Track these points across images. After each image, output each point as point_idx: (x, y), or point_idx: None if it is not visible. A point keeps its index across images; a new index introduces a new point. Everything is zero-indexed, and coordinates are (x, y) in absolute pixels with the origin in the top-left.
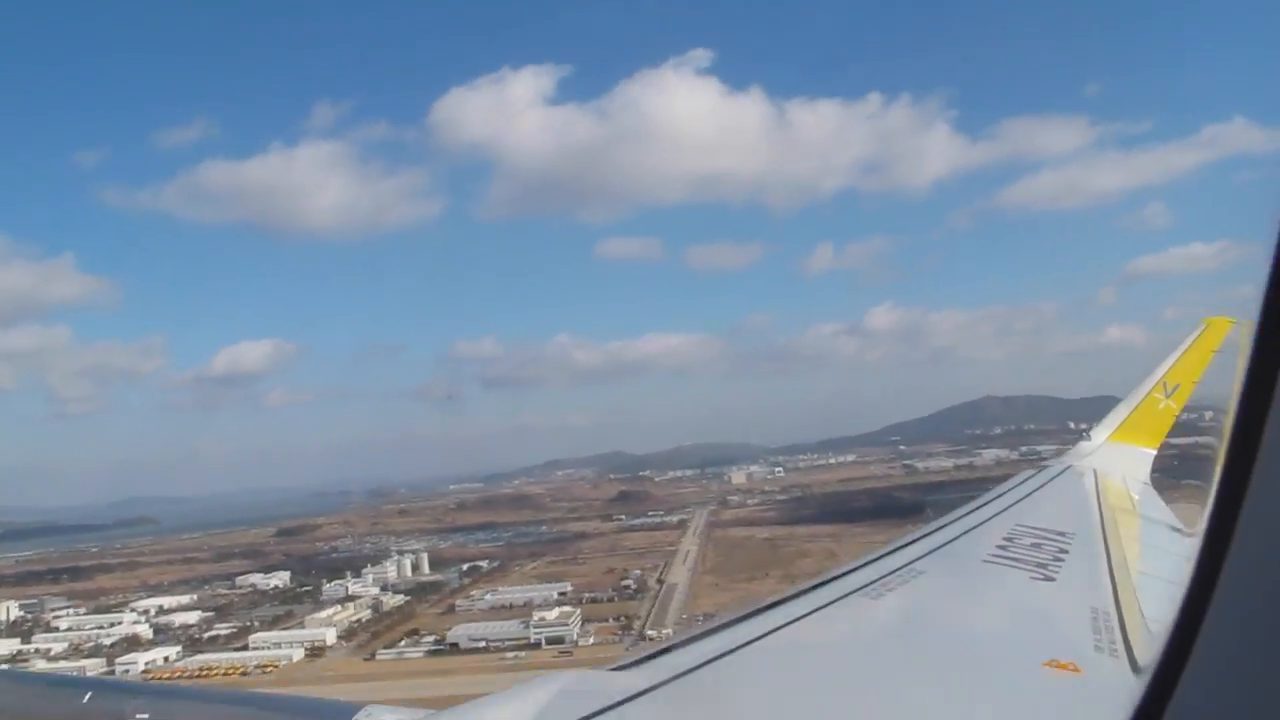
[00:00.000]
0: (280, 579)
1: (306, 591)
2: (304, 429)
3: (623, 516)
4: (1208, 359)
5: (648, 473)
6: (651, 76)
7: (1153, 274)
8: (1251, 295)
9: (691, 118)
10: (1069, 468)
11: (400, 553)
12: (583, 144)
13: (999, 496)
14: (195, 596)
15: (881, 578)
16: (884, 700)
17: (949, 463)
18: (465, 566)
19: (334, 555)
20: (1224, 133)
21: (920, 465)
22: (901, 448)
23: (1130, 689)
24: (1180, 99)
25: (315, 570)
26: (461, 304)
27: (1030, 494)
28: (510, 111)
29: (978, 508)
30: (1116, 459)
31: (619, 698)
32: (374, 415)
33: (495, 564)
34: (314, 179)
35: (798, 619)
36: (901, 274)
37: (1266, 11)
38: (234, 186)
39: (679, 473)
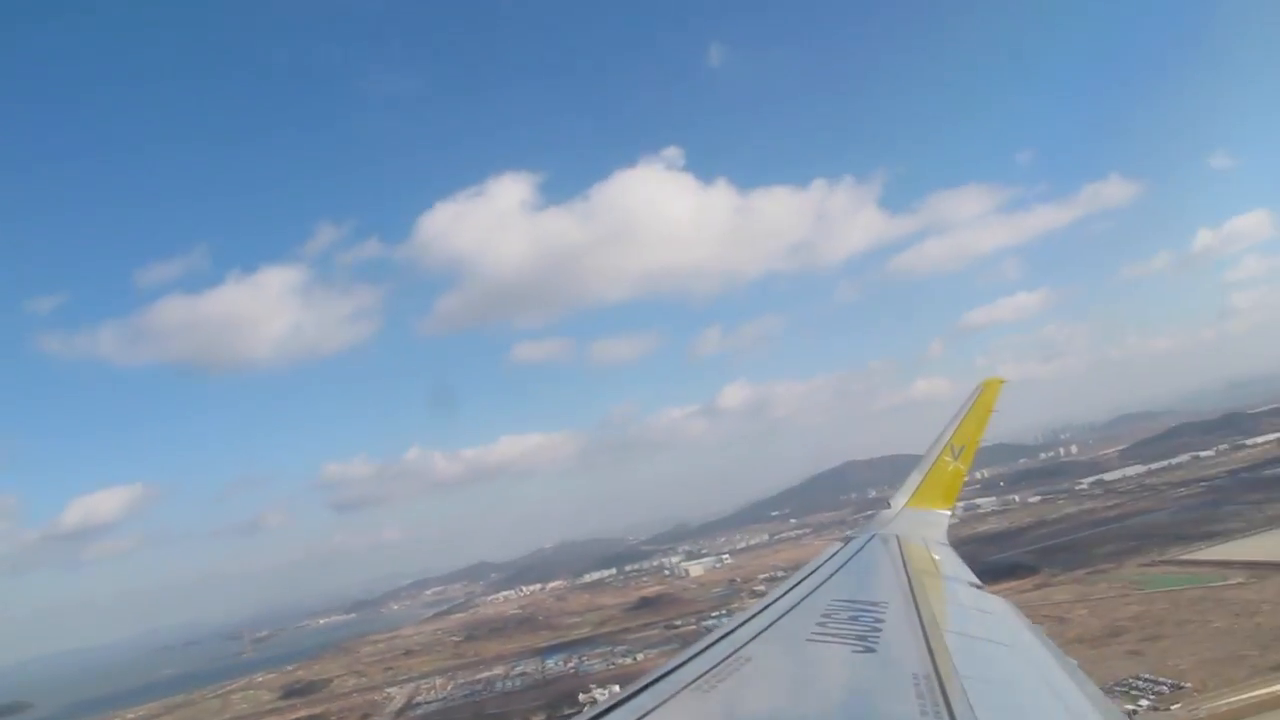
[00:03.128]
0: None
1: None
2: (134, 577)
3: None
4: (987, 418)
5: (608, 573)
6: (625, 176)
7: (983, 325)
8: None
9: (653, 213)
10: (874, 537)
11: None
12: (546, 249)
13: (813, 573)
14: None
15: (711, 669)
16: None
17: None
18: None
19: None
20: (1100, 190)
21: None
22: (792, 520)
23: None
24: (1073, 160)
25: None
26: (354, 426)
27: (842, 567)
28: (479, 222)
29: (794, 586)
30: (915, 523)
31: None
32: (214, 554)
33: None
34: (267, 308)
35: None
36: (774, 350)
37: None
38: (184, 323)
39: (598, 574)
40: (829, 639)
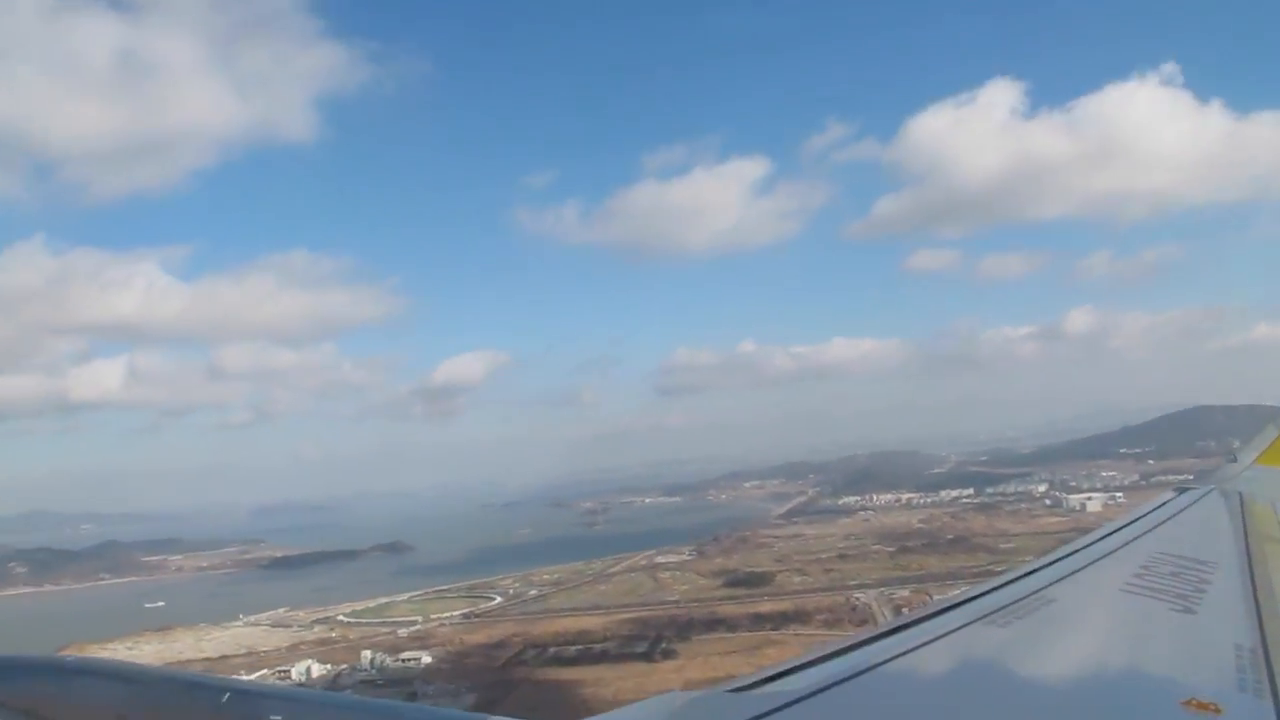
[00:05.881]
0: None
1: None
2: (449, 435)
3: None
4: None
5: (963, 492)
6: (1115, 90)
7: None
8: None
9: (1135, 133)
10: (1212, 489)
11: None
12: (1005, 161)
13: (1136, 520)
14: None
15: (1011, 604)
16: None
17: None
18: None
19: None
20: None
21: None
22: (1150, 462)
23: None
24: None
25: None
26: (719, 317)
27: (1171, 518)
28: (950, 128)
29: (1114, 531)
30: (1265, 482)
31: None
32: (527, 420)
33: None
34: (721, 200)
35: (920, 646)
36: (1151, 282)
37: None
38: (644, 208)
39: (953, 492)
40: (1144, 592)
